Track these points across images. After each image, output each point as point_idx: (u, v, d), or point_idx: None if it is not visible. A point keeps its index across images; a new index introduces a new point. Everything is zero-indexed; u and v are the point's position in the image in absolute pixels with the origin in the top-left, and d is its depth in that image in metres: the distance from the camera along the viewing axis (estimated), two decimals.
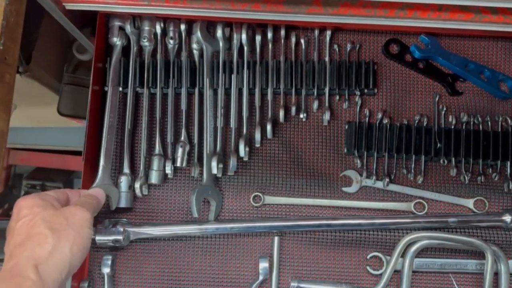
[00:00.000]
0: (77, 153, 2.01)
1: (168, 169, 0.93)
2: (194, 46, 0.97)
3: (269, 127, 0.95)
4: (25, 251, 0.70)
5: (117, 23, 0.95)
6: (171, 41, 0.97)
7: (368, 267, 0.93)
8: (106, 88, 0.96)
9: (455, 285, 0.93)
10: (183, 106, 0.96)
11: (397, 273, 0.92)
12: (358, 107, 0.97)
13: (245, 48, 0.97)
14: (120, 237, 0.88)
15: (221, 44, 0.96)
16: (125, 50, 0.97)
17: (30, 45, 1.20)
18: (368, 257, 0.94)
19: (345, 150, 0.97)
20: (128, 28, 0.95)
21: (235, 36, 0.97)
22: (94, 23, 0.95)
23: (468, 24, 0.86)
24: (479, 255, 0.93)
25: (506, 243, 0.92)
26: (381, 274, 0.92)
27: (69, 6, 0.86)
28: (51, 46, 1.36)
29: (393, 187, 0.96)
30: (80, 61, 1.45)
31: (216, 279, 0.93)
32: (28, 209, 0.75)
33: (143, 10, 0.87)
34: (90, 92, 0.93)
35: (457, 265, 0.94)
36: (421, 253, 0.93)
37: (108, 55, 0.98)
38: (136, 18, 0.96)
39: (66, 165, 2.03)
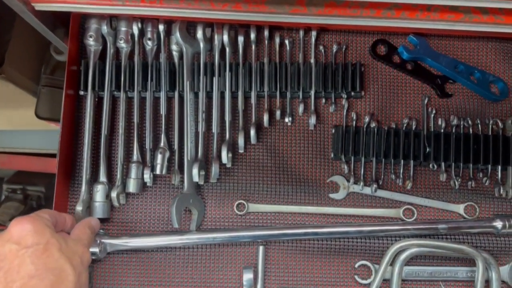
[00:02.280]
0: None
1: (147, 177, 0.88)
2: (174, 47, 0.93)
3: (252, 132, 0.91)
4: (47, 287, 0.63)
5: (93, 24, 0.90)
6: (149, 42, 0.93)
7: (356, 276, 0.90)
8: (81, 92, 0.92)
9: None
10: (163, 110, 0.92)
11: (386, 282, 0.90)
12: (345, 111, 0.93)
13: (227, 49, 0.93)
14: (96, 250, 0.84)
15: (201, 45, 0.92)
16: (101, 52, 0.92)
17: (3, 47, 1.15)
18: (356, 265, 0.91)
19: (332, 155, 0.93)
20: (105, 29, 0.90)
21: (216, 37, 0.92)
22: (67, 23, 0.90)
23: (458, 25, 0.83)
24: (470, 262, 0.90)
25: (497, 249, 0.90)
26: (369, 284, 0.89)
27: (39, 6, 0.81)
28: (26, 47, 1.30)
29: (381, 193, 0.92)
30: (58, 62, 1.39)
31: None
32: (38, 235, 0.66)
33: (117, 10, 0.82)
34: (64, 96, 0.88)
35: (448, 273, 0.91)
36: (410, 261, 0.90)
37: (82, 57, 0.93)
38: (112, 19, 0.91)
39: (48, 168, 1.97)
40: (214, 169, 0.90)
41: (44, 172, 2.00)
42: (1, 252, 0.65)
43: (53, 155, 1.94)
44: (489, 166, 0.91)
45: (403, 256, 0.88)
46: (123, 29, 0.92)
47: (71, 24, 0.89)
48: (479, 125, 0.93)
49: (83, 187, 0.87)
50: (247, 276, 0.87)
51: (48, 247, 0.66)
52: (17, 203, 1.94)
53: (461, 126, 0.93)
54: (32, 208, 1.92)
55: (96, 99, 0.92)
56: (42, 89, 1.39)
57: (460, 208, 0.93)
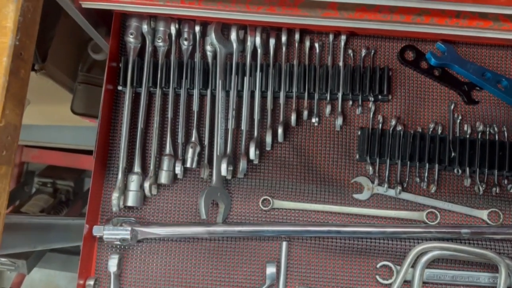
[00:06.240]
0: (89, 152, 2.03)
1: (178, 170, 0.92)
2: (208, 47, 0.97)
3: (280, 130, 0.94)
4: None
5: (133, 23, 0.96)
6: (185, 42, 0.97)
7: (377, 276, 0.92)
8: (119, 88, 0.97)
9: None
10: (195, 107, 0.96)
11: (407, 283, 0.91)
12: (372, 113, 0.95)
13: (259, 50, 0.97)
14: (127, 236, 0.88)
15: (235, 46, 0.96)
16: (139, 50, 0.97)
17: (46, 44, 1.22)
18: (378, 266, 0.92)
19: (357, 156, 0.95)
20: (145, 27, 0.95)
21: (249, 38, 0.96)
22: (109, 22, 0.96)
23: (486, 32, 0.84)
24: (492, 268, 0.91)
25: None
26: (390, 284, 0.91)
27: (86, 4, 0.87)
28: (67, 45, 1.37)
29: (405, 196, 0.94)
30: (95, 60, 1.46)
31: (223, 283, 0.92)
32: None
33: (158, 10, 0.87)
34: (104, 91, 0.93)
35: (469, 278, 0.91)
36: (432, 264, 0.91)
37: (122, 55, 0.98)
38: (151, 19, 0.96)
39: (78, 164, 2.05)
40: (242, 164, 0.93)
41: (74, 167, 2.07)
42: None
43: (83, 151, 2.01)
44: None
45: (425, 258, 0.89)
46: (161, 29, 0.97)
47: (113, 22, 0.94)
48: (505, 132, 0.94)
49: (119, 176, 0.91)
50: (270, 270, 0.90)
51: None
52: (47, 196, 2.02)
53: (487, 133, 0.94)
54: (61, 202, 2.00)
55: (133, 95, 0.96)
56: (78, 85, 1.46)
57: (483, 214, 0.94)
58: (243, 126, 0.95)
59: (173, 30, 0.97)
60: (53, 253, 2.02)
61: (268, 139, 0.94)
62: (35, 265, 1.70)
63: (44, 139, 1.94)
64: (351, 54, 0.97)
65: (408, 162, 0.93)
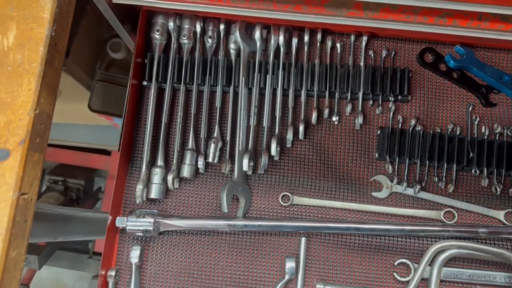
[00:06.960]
0: (100, 151, 2.05)
1: (200, 164, 0.94)
2: (232, 46, 1.00)
3: (301, 128, 0.96)
4: None
5: (160, 20, 0.98)
6: (210, 40, 1.00)
7: (395, 274, 0.93)
8: (144, 83, 0.98)
9: None
10: (218, 103, 0.98)
11: (425, 281, 0.92)
12: (391, 113, 0.97)
13: (282, 50, 0.99)
14: (150, 228, 0.89)
15: (258, 45, 0.98)
16: (164, 46, 0.99)
17: (70, 40, 1.23)
18: (396, 263, 0.93)
19: (376, 155, 0.97)
20: (171, 24, 0.98)
21: (272, 37, 0.98)
22: (134, 19, 0.98)
23: (507, 35, 0.86)
24: (509, 268, 0.92)
25: None
26: (408, 281, 0.92)
27: None
28: (87, 43, 1.39)
29: (423, 195, 0.95)
30: (113, 59, 1.48)
31: (242, 276, 0.93)
32: None
33: (188, 7, 0.89)
34: (129, 86, 0.95)
35: (486, 277, 0.92)
36: (449, 262, 0.92)
37: (147, 51, 1.00)
38: (177, 16, 0.98)
39: (89, 163, 2.07)
40: (263, 160, 0.94)
41: (85, 166, 2.09)
42: None
43: (95, 150, 2.03)
44: None
45: (442, 256, 0.90)
46: (187, 26, 0.99)
47: (140, 18, 0.97)
48: None
49: (143, 169, 0.93)
50: (290, 264, 0.91)
51: None
52: (57, 194, 2.03)
53: (505, 135, 0.96)
54: (72, 200, 2.01)
55: (158, 90, 0.98)
56: (96, 83, 1.48)
57: (500, 215, 0.95)
58: (265, 123, 0.96)
59: (198, 28, 0.99)
60: (61, 251, 2.03)
61: (289, 136, 0.96)
62: (46, 261, 1.71)
63: (56, 137, 1.95)
64: (372, 55, 0.99)
65: (427, 162, 0.95)
